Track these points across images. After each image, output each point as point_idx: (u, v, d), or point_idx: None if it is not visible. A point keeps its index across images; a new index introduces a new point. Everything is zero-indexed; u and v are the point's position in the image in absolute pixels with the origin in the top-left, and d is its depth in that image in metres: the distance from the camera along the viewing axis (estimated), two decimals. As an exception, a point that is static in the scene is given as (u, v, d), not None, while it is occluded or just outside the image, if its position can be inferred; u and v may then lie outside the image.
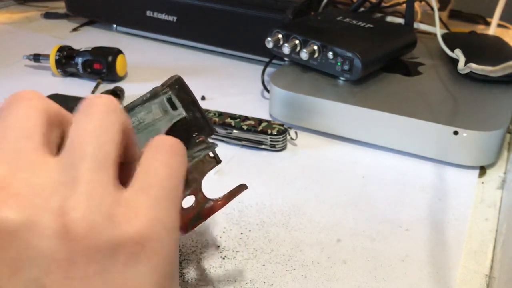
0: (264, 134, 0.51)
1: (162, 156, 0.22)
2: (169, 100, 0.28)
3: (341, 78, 0.56)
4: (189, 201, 0.31)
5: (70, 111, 0.22)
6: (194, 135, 0.30)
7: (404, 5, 0.69)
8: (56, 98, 0.61)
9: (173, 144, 0.23)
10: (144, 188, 0.20)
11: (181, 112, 0.29)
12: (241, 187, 0.32)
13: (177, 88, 0.29)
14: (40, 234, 0.17)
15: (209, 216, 0.31)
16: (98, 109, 0.20)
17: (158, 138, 0.23)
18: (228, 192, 0.31)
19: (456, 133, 0.47)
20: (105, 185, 0.19)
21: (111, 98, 0.21)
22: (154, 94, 0.28)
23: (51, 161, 0.19)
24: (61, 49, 0.65)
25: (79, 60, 0.64)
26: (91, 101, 0.21)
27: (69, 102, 0.29)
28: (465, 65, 0.54)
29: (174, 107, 0.28)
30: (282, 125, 0.52)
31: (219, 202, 0.31)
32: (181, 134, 0.29)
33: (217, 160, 0.30)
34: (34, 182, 0.18)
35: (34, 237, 0.17)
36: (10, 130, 0.19)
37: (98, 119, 0.20)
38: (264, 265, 0.37)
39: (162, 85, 0.29)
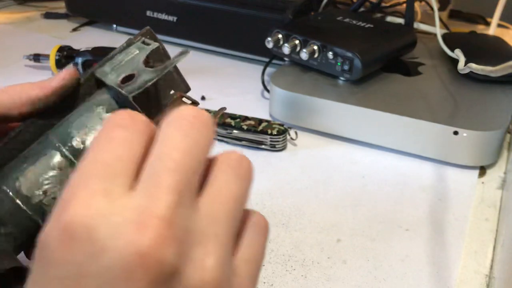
0: (264, 134, 0.51)
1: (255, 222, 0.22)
2: (143, 42, 0.31)
3: (341, 78, 0.56)
4: None
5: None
6: (171, 93, 0.32)
7: (404, 5, 0.69)
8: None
9: (247, 167, 0.21)
10: (249, 260, 0.20)
11: (156, 44, 0.31)
12: (221, 109, 0.34)
13: (149, 37, 0.32)
14: (183, 284, 0.17)
15: None
16: (196, 126, 0.19)
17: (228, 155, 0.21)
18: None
19: (456, 133, 0.47)
20: (230, 250, 0.19)
21: (202, 111, 0.20)
22: (129, 43, 0.31)
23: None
24: (61, 49, 0.65)
25: (79, 60, 0.64)
26: (183, 113, 0.20)
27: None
28: (465, 65, 0.54)
29: (148, 44, 0.31)
30: (282, 125, 0.52)
31: None
32: (161, 89, 0.31)
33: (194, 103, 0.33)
34: (185, 225, 0.18)
35: (177, 284, 0.17)
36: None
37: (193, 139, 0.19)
38: (264, 265, 0.37)
39: (135, 36, 0.32)
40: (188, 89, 0.34)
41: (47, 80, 0.30)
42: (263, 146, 0.52)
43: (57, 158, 0.28)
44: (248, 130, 0.51)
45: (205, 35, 0.74)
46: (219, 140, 0.53)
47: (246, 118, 0.53)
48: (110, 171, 0.18)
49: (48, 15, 0.88)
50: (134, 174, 0.18)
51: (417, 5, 0.74)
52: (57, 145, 0.29)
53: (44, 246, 0.17)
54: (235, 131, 0.52)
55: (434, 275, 0.37)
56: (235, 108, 0.56)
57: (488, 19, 0.87)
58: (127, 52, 0.31)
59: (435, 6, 0.66)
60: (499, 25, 0.74)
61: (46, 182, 0.28)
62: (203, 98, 0.62)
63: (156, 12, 0.75)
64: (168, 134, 0.19)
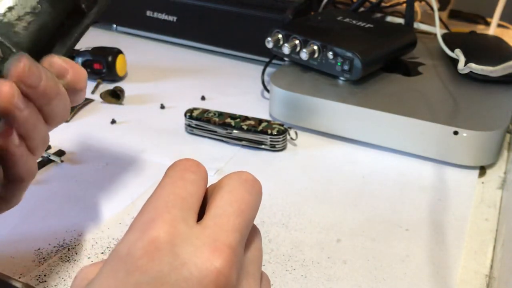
0: (264, 134, 0.51)
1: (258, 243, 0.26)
2: None
3: (341, 78, 0.56)
4: None
5: None
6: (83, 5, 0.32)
7: (404, 5, 0.70)
8: None
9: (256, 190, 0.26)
10: (253, 261, 0.24)
11: None
12: None
13: None
14: None
15: None
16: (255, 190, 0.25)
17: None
18: None
19: (456, 133, 0.47)
20: (259, 283, 0.24)
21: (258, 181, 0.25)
22: None
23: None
24: (61, 49, 0.65)
25: (79, 60, 0.64)
26: (247, 177, 0.25)
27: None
28: (465, 65, 0.54)
29: None
30: (282, 125, 0.52)
31: None
32: None
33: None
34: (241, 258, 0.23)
35: None
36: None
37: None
38: (264, 265, 0.37)
39: None
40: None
41: None
42: (263, 146, 0.52)
43: None
44: (248, 130, 0.51)
45: (205, 35, 0.74)
46: (219, 140, 0.53)
47: (246, 118, 0.53)
48: (186, 204, 0.22)
49: (48, 15, 0.88)
50: (198, 209, 0.23)
51: (417, 5, 0.74)
52: None
53: (128, 254, 0.20)
54: (235, 131, 0.52)
55: (434, 275, 0.37)
56: (235, 108, 0.56)
57: (488, 19, 0.87)
58: None
59: (435, 6, 0.66)
60: (499, 25, 0.74)
61: None
62: (203, 98, 0.62)
63: (156, 12, 0.75)
64: (235, 187, 0.24)
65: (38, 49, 0.31)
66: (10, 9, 0.29)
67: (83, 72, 0.32)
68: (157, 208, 0.22)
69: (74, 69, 0.31)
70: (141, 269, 0.20)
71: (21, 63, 0.27)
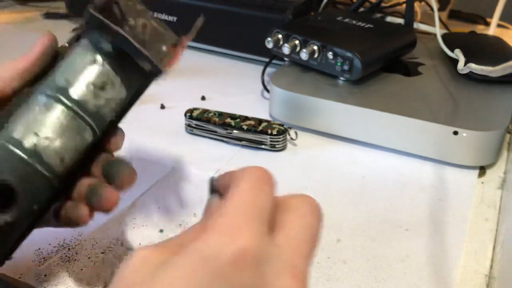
0: (264, 134, 0.51)
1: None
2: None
3: (341, 78, 0.56)
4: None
5: None
6: (163, 49, 0.34)
7: (404, 5, 0.70)
8: None
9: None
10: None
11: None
12: (199, 21, 0.34)
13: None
14: None
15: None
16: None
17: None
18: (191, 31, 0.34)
19: (456, 133, 0.47)
20: None
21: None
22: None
23: None
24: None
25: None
26: (311, 202, 0.25)
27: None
28: (465, 65, 0.54)
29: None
30: (282, 125, 0.52)
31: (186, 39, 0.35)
32: (125, 11, 0.32)
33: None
34: None
35: None
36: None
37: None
38: (264, 265, 0.37)
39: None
40: (176, 37, 0.35)
41: (29, 52, 0.32)
42: (263, 146, 0.52)
43: (43, 100, 0.30)
44: (248, 130, 0.51)
45: (205, 35, 0.74)
46: (219, 140, 0.53)
47: (246, 118, 0.53)
48: (264, 217, 0.22)
49: (48, 15, 0.88)
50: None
51: (417, 5, 0.74)
52: (44, 91, 0.30)
53: (215, 257, 0.20)
54: (235, 131, 0.52)
55: (434, 275, 0.37)
56: (235, 108, 0.56)
57: (488, 19, 0.87)
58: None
59: (435, 6, 0.66)
60: (499, 25, 0.74)
61: (35, 124, 0.29)
62: (203, 98, 0.62)
63: (156, 12, 0.75)
64: (307, 214, 0.24)
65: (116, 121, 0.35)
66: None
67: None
68: (240, 215, 0.21)
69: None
70: (226, 276, 0.19)
71: (133, 173, 0.34)
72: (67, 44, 0.33)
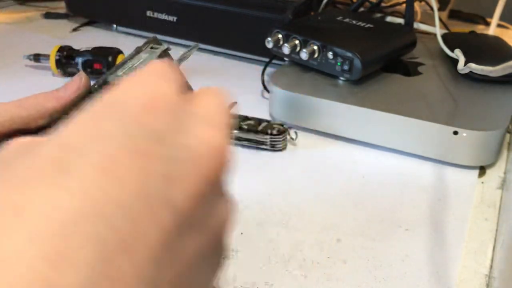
0: (264, 134, 0.51)
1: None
2: (152, 48, 0.34)
3: (341, 78, 0.56)
4: None
5: None
6: None
7: (404, 5, 0.70)
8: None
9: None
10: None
11: (164, 46, 0.34)
12: (194, 47, 0.36)
13: (156, 44, 0.35)
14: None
15: None
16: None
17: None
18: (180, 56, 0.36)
19: (456, 133, 0.47)
20: None
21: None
22: (138, 50, 0.34)
23: None
24: (61, 49, 0.65)
25: (79, 60, 0.64)
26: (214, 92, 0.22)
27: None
28: (465, 65, 0.54)
29: (156, 48, 0.34)
30: (282, 125, 0.52)
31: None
32: None
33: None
34: None
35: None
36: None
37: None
38: (264, 265, 0.37)
39: (143, 44, 0.34)
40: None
41: (61, 90, 0.30)
42: (263, 146, 0.52)
43: None
44: (248, 130, 0.51)
45: (205, 35, 0.74)
46: (219, 140, 0.53)
47: (246, 118, 0.53)
48: (176, 80, 0.20)
49: (48, 15, 0.88)
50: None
51: (417, 5, 0.74)
52: None
53: (121, 101, 0.17)
54: (235, 131, 0.52)
55: (434, 275, 0.37)
56: (235, 108, 0.55)
57: (488, 19, 0.87)
58: (138, 57, 0.33)
59: (435, 6, 0.66)
60: (499, 25, 0.74)
61: None
62: (203, 98, 0.62)
63: (156, 12, 0.75)
64: (214, 92, 0.22)
65: None
66: None
67: None
68: (151, 73, 0.19)
69: None
70: (138, 120, 0.17)
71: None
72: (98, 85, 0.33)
